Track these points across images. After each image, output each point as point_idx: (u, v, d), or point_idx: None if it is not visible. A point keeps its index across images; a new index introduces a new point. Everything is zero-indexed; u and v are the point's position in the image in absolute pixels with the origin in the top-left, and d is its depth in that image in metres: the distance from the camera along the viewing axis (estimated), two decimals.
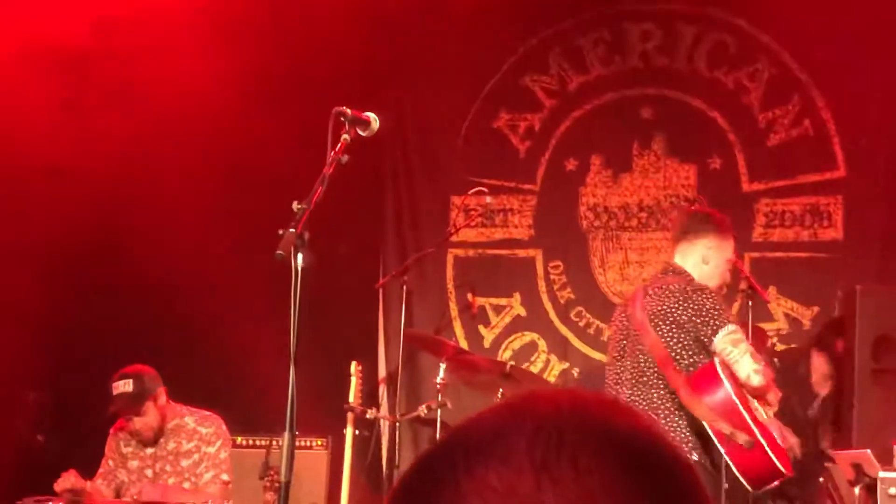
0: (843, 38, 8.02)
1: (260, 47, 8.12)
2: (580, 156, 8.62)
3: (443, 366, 6.81)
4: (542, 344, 8.55)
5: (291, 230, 3.74)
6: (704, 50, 8.46)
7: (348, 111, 4.08)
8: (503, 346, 8.56)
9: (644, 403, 5.15)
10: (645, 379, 5.19)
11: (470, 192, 7.84)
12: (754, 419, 4.96)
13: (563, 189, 8.62)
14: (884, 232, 7.88)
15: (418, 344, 7.79)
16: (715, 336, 5.06)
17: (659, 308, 5.18)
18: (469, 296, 8.43)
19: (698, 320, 5.09)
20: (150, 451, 6.13)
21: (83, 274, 8.27)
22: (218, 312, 8.24)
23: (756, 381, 4.99)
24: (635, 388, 5.22)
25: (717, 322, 5.08)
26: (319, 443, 7.46)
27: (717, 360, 5.05)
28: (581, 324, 8.48)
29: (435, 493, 0.90)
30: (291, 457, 3.64)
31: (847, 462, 5.07)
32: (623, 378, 5.29)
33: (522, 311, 8.62)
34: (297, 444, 7.10)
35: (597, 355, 8.35)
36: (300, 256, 3.71)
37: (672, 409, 5.11)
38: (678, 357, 5.10)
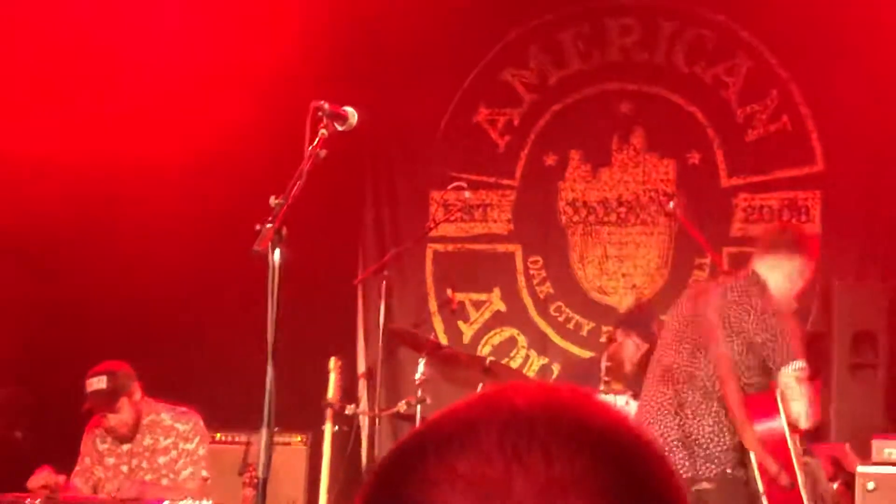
0: (821, 33, 8.04)
1: (240, 40, 8.10)
2: (559, 150, 8.61)
3: (422, 361, 6.80)
4: (521, 339, 8.55)
5: (269, 226, 3.71)
6: (683, 45, 8.46)
7: (326, 106, 4.06)
8: (483, 342, 8.55)
9: (691, 406, 5.06)
10: (699, 383, 5.09)
11: (449, 187, 7.82)
12: (797, 459, 4.92)
13: (543, 184, 8.61)
14: (862, 227, 7.90)
15: (398, 339, 7.76)
16: (784, 366, 4.99)
17: (735, 320, 5.09)
18: (448, 291, 8.41)
19: (772, 346, 5.01)
20: (125, 447, 6.10)
21: (60, 270, 8.23)
22: (197, 308, 8.22)
23: (804, 424, 4.95)
24: (684, 388, 5.11)
25: (790, 353, 5.00)
26: (299, 439, 7.45)
27: (777, 391, 5.01)
28: (560, 319, 8.48)
29: (406, 481, 0.90)
30: (269, 454, 3.62)
31: (826, 456, 5.07)
32: (675, 374, 5.17)
33: (502, 307, 8.61)
34: (276, 440, 7.10)
35: (576, 350, 8.36)
36: (277, 252, 3.69)
37: (722, 420, 5.02)
38: (740, 374, 5.03)
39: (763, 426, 4.89)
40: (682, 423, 5.02)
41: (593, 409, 0.93)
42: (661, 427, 5.08)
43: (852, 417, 6.08)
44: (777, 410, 4.90)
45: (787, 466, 4.84)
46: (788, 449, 4.85)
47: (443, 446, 0.90)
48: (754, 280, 5.23)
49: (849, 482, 5.07)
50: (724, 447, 4.97)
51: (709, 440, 4.98)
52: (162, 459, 6.07)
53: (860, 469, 4.73)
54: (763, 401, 4.96)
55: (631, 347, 7.24)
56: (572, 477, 0.87)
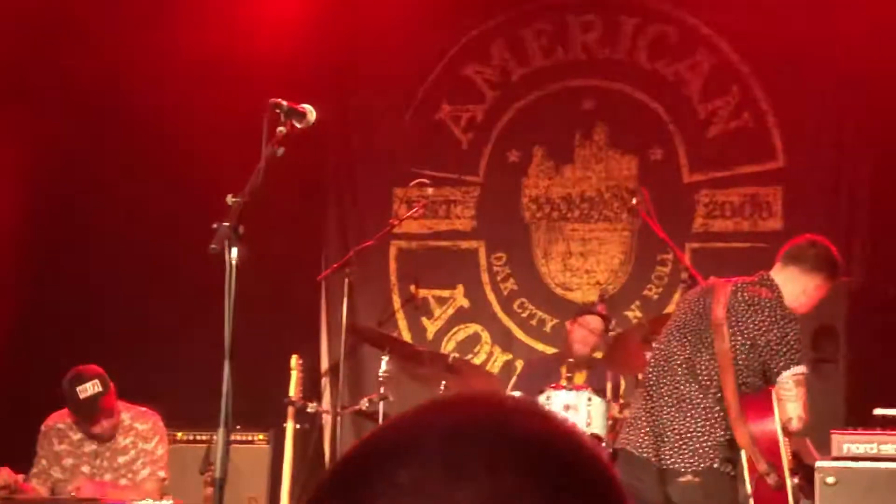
0: (782, 30, 8.07)
1: (200, 35, 8.05)
2: (522, 147, 8.62)
3: (385, 358, 6.80)
4: (485, 335, 8.55)
5: (226, 224, 3.69)
6: (645, 41, 8.48)
7: (284, 103, 4.04)
8: (446, 338, 8.55)
9: (689, 400, 5.03)
10: (698, 376, 5.06)
11: (412, 184, 7.82)
12: (787, 462, 4.92)
13: (506, 180, 8.62)
14: (822, 222, 7.93)
15: (361, 336, 7.76)
16: (786, 370, 4.96)
17: (743, 318, 5.05)
18: (412, 288, 8.41)
19: (777, 349, 4.98)
20: (87, 448, 6.06)
21: (13, 268, 8.16)
22: (159, 305, 8.18)
23: (795, 426, 4.93)
24: (684, 380, 5.08)
25: (793, 357, 4.97)
26: (261, 437, 7.43)
27: (773, 392, 4.99)
28: (524, 315, 8.49)
29: (348, 494, 0.90)
30: (227, 453, 3.60)
31: (786, 451, 5.09)
32: (676, 366, 5.13)
33: (465, 303, 8.61)
34: (238, 438, 7.12)
35: (540, 346, 8.37)
36: (234, 250, 3.67)
37: (714, 415, 4.99)
38: (738, 372, 5.01)
39: (757, 426, 4.89)
40: (677, 415, 5.02)
41: (537, 420, 0.93)
42: (657, 417, 5.07)
43: (812, 412, 6.09)
44: (772, 411, 4.90)
45: (778, 467, 4.84)
46: (780, 450, 4.86)
47: (385, 459, 0.90)
48: (767, 283, 5.20)
49: (808, 476, 5.10)
50: (714, 442, 4.96)
51: (700, 434, 4.97)
52: (122, 459, 6.03)
53: (819, 464, 4.75)
54: (759, 401, 4.95)
55: (580, 331, 7.28)
56: (515, 489, 0.87)
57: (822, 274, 5.24)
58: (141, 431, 6.07)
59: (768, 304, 5.07)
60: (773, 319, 5.03)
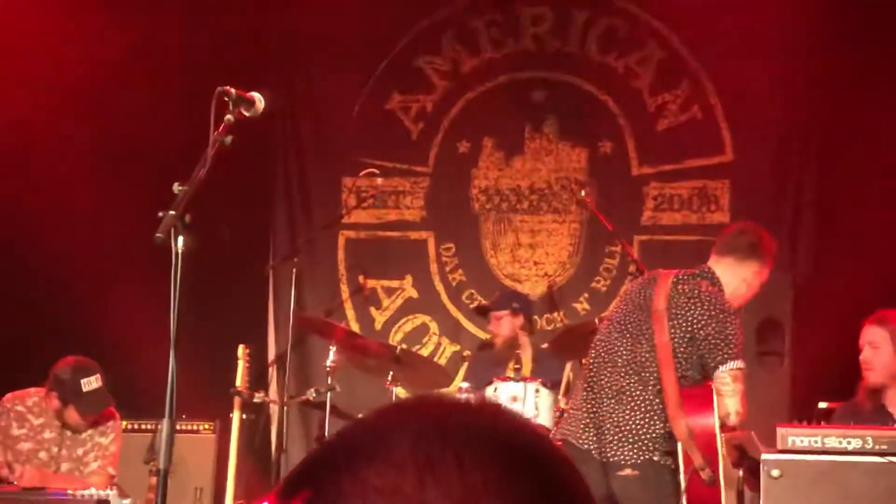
0: (731, 25, 8.12)
1: (147, 22, 7.98)
2: (472, 138, 8.61)
3: (333, 349, 6.78)
4: (433, 326, 8.54)
5: (171, 213, 3.65)
6: (596, 34, 8.50)
7: (232, 91, 4.00)
8: (395, 329, 8.53)
9: (629, 392, 5.01)
10: (638, 369, 5.03)
11: (362, 174, 7.79)
12: (723, 458, 4.91)
13: (456, 171, 8.61)
14: (769, 216, 7.99)
15: (308, 327, 7.73)
16: (723, 364, 4.92)
17: (682, 311, 5.02)
18: (360, 278, 8.39)
19: (715, 343, 4.94)
20: (48, 434, 6.04)
21: None
22: (105, 294, 8.10)
23: (733, 421, 4.90)
24: (624, 372, 5.05)
25: (731, 351, 4.93)
26: (207, 427, 7.38)
27: (713, 387, 4.94)
28: (472, 306, 8.49)
29: (316, 495, 0.89)
30: (171, 443, 3.56)
31: (731, 443, 5.13)
32: (616, 358, 5.10)
33: (414, 294, 8.60)
34: (184, 427, 7.08)
35: (488, 337, 8.37)
36: (181, 239, 3.63)
37: (654, 408, 4.96)
38: (677, 365, 4.96)
39: (695, 420, 4.87)
40: (616, 407, 5.01)
41: (504, 419, 0.93)
42: (596, 409, 5.06)
43: (758, 405, 6.15)
44: (711, 406, 4.87)
45: (713, 463, 4.84)
46: (717, 445, 4.84)
47: (354, 458, 0.89)
48: (708, 275, 5.17)
49: (753, 469, 5.13)
50: (654, 435, 4.94)
51: (639, 427, 4.96)
52: (80, 451, 6.06)
53: (765, 456, 4.78)
54: (698, 395, 4.93)
55: (506, 324, 7.30)
56: (485, 487, 0.87)
57: (757, 260, 5.23)
58: (99, 427, 6.09)
59: (708, 298, 5.05)
60: (713, 313, 5.00)
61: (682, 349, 4.98)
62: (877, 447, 4.55)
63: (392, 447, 0.89)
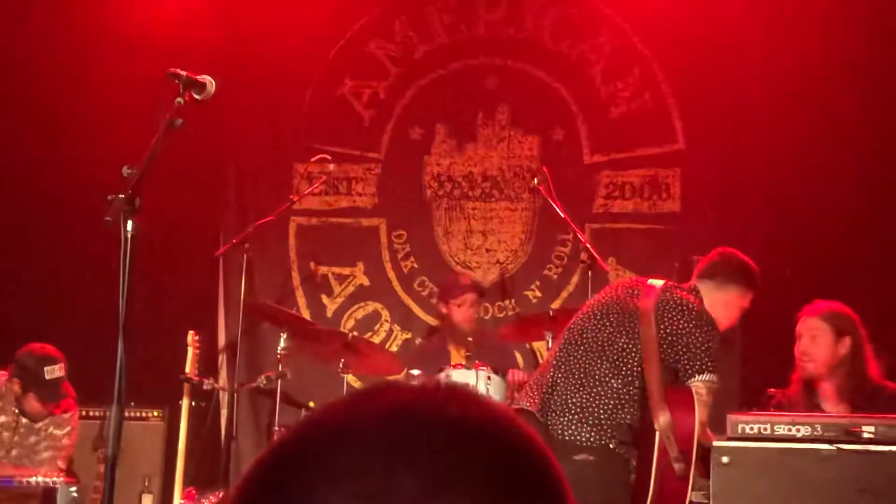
0: (683, 14, 8.14)
1: (100, 2, 7.91)
2: (425, 125, 8.59)
3: (283, 335, 6.74)
4: (385, 314, 8.52)
5: (121, 196, 3.61)
6: (549, 21, 8.50)
7: (182, 73, 3.95)
8: (346, 316, 8.50)
9: (598, 377, 5.01)
10: (614, 359, 5.03)
11: (313, 160, 7.75)
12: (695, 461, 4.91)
13: (408, 158, 8.58)
14: (718, 205, 8.05)
15: (259, 313, 7.69)
16: (698, 375, 4.95)
17: (669, 316, 5.05)
18: (312, 265, 8.35)
19: (696, 352, 4.98)
20: (3, 418, 6.01)
21: None
22: (54, 277, 8.02)
23: (698, 431, 4.94)
24: (596, 359, 5.05)
25: (707, 364, 4.97)
26: (156, 414, 7.33)
27: (694, 390, 4.95)
28: (424, 293, 8.48)
29: (285, 478, 0.89)
30: (120, 430, 3.52)
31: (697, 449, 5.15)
32: (588, 343, 5.10)
33: (366, 281, 8.57)
34: (132, 414, 7.02)
35: (437, 323, 8.36)
36: (130, 223, 3.59)
37: (622, 397, 4.97)
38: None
39: (677, 416, 4.89)
40: (581, 389, 5.01)
41: (474, 404, 0.93)
42: (562, 387, 5.06)
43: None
44: (693, 406, 4.92)
45: (688, 457, 4.86)
46: (693, 444, 4.87)
47: (324, 443, 0.89)
48: (694, 291, 5.22)
49: (704, 457, 5.15)
50: (616, 422, 4.95)
51: (603, 412, 4.96)
52: (33, 439, 6.02)
53: (715, 444, 4.80)
54: (684, 395, 4.96)
55: (459, 310, 7.30)
56: (455, 469, 0.87)
57: (736, 285, 5.27)
58: (56, 418, 6.05)
59: (695, 309, 5.09)
60: (699, 324, 5.04)
61: (661, 350, 5.00)
62: (826, 434, 4.58)
63: (363, 431, 0.88)
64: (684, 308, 5.10)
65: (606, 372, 5.04)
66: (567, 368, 5.11)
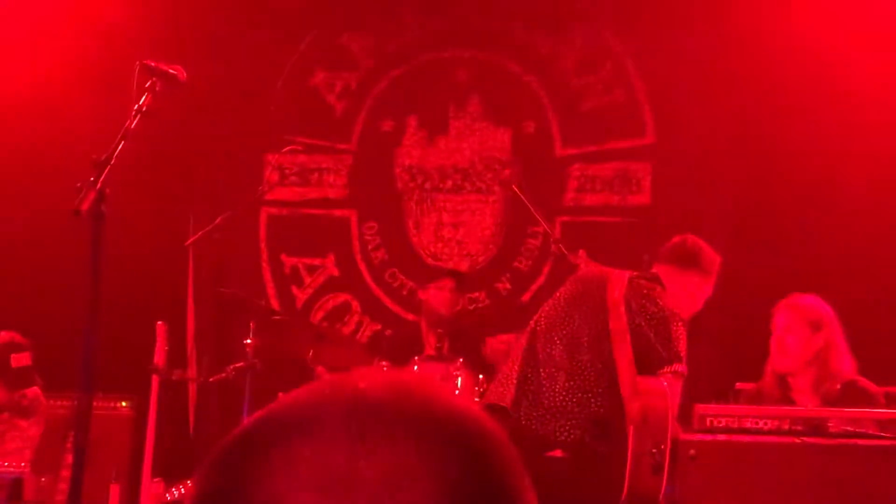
0: (654, 9, 8.16)
1: None
2: (396, 116, 8.59)
3: (253, 326, 6.72)
4: (355, 305, 8.51)
5: (90, 184, 3.59)
6: (521, 14, 8.50)
7: (153, 63, 3.94)
8: (316, 307, 8.49)
9: (567, 369, 4.96)
10: (582, 350, 4.99)
11: (284, 151, 7.73)
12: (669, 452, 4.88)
13: (379, 149, 8.58)
14: (687, 199, 8.07)
15: (229, 304, 7.67)
16: (668, 364, 4.91)
17: (638, 307, 5.01)
18: (282, 255, 8.34)
19: (665, 343, 4.94)
20: None
21: None
22: (22, 266, 7.98)
23: (672, 425, 4.91)
24: (565, 351, 5.00)
25: (676, 353, 4.93)
26: (124, 404, 7.29)
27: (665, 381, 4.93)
28: (395, 285, 8.48)
29: (246, 470, 0.88)
30: (88, 420, 3.51)
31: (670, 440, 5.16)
32: (552, 336, 5.06)
33: (336, 272, 8.56)
34: (100, 405, 6.97)
35: (410, 316, 8.36)
36: (99, 212, 3.57)
37: (592, 388, 4.93)
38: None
39: (651, 407, 4.86)
40: (553, 384, 4.99)
41: (437, 394, 0.93)
42: (534, 385, 5.01)
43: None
44: (665, 397, 4.89)
45: (661, 451, 4.83)
46: (667, 436, 4.84)
47: (284, 432, 0.88)
48: (656, 278, 5.20)
49: (672, 450, 5.17)
50: (589, 416, 4.91)
51: (575, 406, 4.93)
52: None
53: (683, 437, 4.81)
54: (653, 385, 4.94)
55: (439, 294, 7.30)
56: (416, 460, 0.86)
57: (696, 270, 5.28)
58: (22, 408, 6.00)
59: (662, 299, 5.08)
60: (667, 314, 5.02)
61: (631, 341, 4.98)
62: (793, 427, 4.60)
63: (324, 420, 0.88)
64: (652, 298, 5.08)
65: (577, 365, 5.01)
66: (536, 362, 5.08)
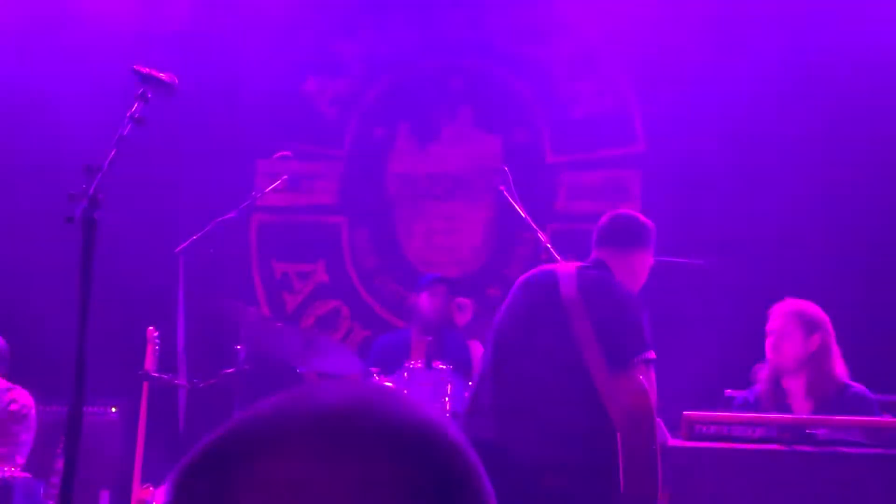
0: (646, 15, 8.19)
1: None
2: (388, 123, 8.60)
3: (243, 333, 6.72)
4: (345, 311, 8.51)
5: (82, 192, 3.60)
6: (512, 23, 8.52)
7: (145, 70, 3.95)
8: (307, 313, 8.49)
9: (542, 385, 4.66)
10: (553, 361, 4.69)
11: (276, 157, 7.73)
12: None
13: (371, 156, 8.59)
14: (678, 207, 8.08)
15: (219, 309, 7.66)
16: (637, 354, 4.64)
17: (594, 299, 4.75)
18: (273, 262, 8.34)
19: (629, 332, 4.68)
20: None
21: None
22: (13, 273, 7.97)
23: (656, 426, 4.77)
24: (535, 366, 4.70)
25: (643, 343, 4.69)
26: (114, 409, 7.30)
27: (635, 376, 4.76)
28: (385, 291, 8.48)
29: (210, 487, 0.88)
30: (78, 426, 3.51)
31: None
32: (517, 352, 4.78)
33: (326, 278, 8.56)
34: (91, 410, 6.98)
35: (400, 323, 8.37)
36: (91, 219, 3.57)
37: (581, 399, 4.61)
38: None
39: (631, 409, 4.69)
40: (533, 400, 4.72)
41: (404, 407, 0.93)
42: (511, 404, 4.73)
43: (665, 394, 6.22)
44: (647, 394, 4.72)
45: (652, 455, 4.72)
46: (654, 437, 4.74)
47: (249, 448, 0.88)
48: (600, 264, 4.97)
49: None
50: (574, 428, 4.63)
51: (560, 419, 4.64)
52: None
53: (672, 445, 4.81)
54: (629, 383, 4.78)
55: (431, 300, 7.31)
56: (383, 475, 0.87)
57: (640, 247, 5.08)
58: (13, 412, 6.01)
59: (618, 287, 4.86)
60: (625, 303, 4.79)
61: (597, 337, 4.78)
62: (783, 435, 4.61)
63: (290, 435, 0.88)
64: (607, 288, 4.84)
65: (550, 375, 4.74)
66: (507, 384, 4.80)
